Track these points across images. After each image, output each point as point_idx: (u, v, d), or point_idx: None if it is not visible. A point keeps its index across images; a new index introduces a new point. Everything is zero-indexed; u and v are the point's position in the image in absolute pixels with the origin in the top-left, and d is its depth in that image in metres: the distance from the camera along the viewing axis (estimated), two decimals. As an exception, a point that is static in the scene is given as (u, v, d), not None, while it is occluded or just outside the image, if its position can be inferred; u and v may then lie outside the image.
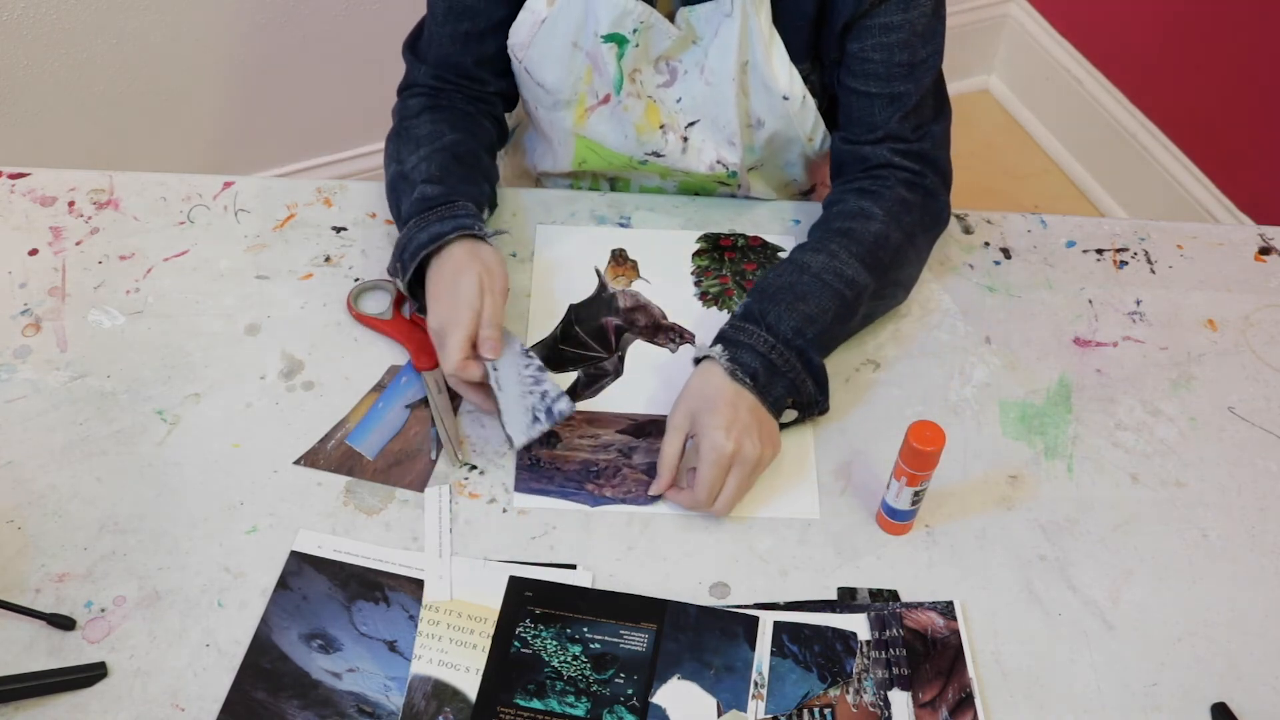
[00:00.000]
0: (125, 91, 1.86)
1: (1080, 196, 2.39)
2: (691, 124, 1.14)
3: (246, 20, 1.87)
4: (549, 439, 1.01)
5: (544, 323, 1.10)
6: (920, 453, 0.88)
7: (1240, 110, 2.03)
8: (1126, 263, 1.19)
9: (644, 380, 1.06)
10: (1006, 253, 1.19)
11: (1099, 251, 1.20)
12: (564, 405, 0.98)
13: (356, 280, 1.12)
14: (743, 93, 1.10)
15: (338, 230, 1.17)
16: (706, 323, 1.11)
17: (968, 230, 1.21)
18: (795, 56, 1.09)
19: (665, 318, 1.12)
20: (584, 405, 1.04)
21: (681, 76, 1.11)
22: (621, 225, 1.19)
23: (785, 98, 1.10)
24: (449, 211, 1.04)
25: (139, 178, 1.20)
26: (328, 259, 1.14)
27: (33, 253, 1.13)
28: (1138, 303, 1.15)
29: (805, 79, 1.11)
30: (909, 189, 1.10)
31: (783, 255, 1.16)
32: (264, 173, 2.07)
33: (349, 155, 2.14)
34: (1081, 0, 2.32)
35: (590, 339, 1.09)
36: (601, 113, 1.14)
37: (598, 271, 1.15)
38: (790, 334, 1.00)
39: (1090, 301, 1.15)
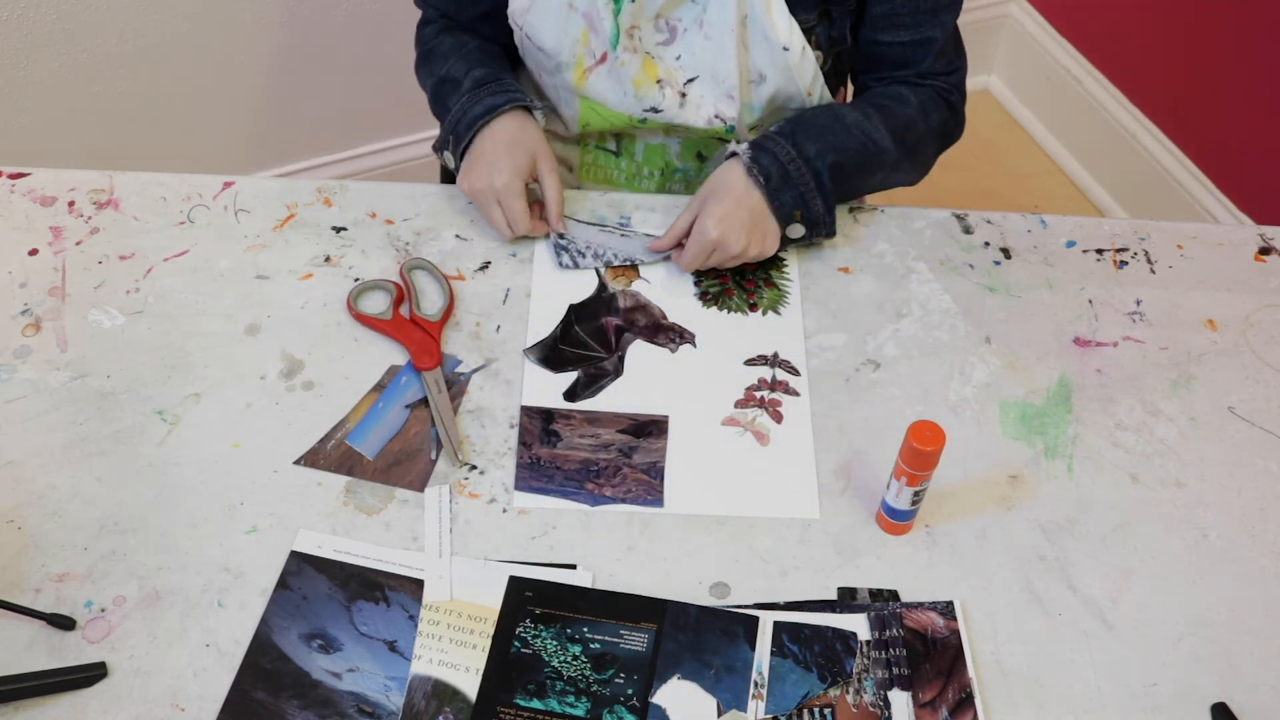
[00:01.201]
0: (125, 91, 1.86)
1: (1080, 196, 2.39)
2: (690, 80, 1.15)
3: (247, 20, 1.87)
4: (549, 438, 1.01)
5: (544, 323, 1.10)
6: (920, 453, 0.88)
7: (1241, 110, 2.03)
8: (1126, 263, 1.19)
9: (644, 380, 1.06)
10: (1006, 253, 1.19)
11: (1099, 251, 1.20)
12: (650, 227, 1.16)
13: (356, 280, 1.12)
14: (743, 47, 1.12)
15: (338, 230, 1.17)
16: (707, 323, 1.11)
17: (968, 230, 1.21)
18: (799, 6, 1.12)
19: (665, 318, 1.12)
20: (584, 405, 1.04)
21: (681, 34, 1.14)
22: (621, 225, 1.19)
23: (785, 49, 1.12)
24: (500, 87, 1.15)
25: (139, 178, 1.20)
26: (328, 259, 1.14)
27: (33, 253, 1.13)
28: (1138, 303, 1.15)
29: (809, 31, 1.14)
30: (940, 96, 1.21)
31: (782, 256, 1.16)
32: (264, 173, 2.07)
33: (349, 155, 2.14)
34: (1081, 0, 2.32)
35: (590, 339, 1.09)
36: (599, 72, 1.16)
37: (598, 271, 1.15)
38: (812, 155, 1.11)
39: (1090, 301, 1.15)
